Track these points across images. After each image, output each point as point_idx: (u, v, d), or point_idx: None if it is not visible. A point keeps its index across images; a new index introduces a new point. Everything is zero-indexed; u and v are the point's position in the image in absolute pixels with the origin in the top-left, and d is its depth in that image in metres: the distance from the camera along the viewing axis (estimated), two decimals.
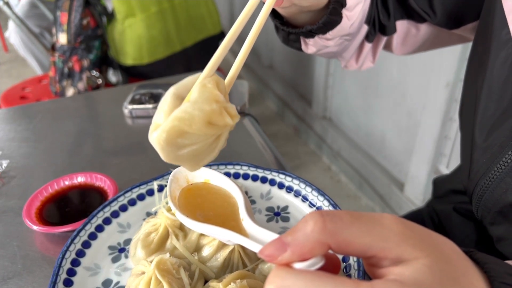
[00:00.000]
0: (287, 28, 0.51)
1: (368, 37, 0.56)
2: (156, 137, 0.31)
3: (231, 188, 0.39)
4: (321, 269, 0.24)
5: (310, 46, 0.53)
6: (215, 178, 0.40)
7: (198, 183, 0.41)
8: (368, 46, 0.57)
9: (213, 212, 0.38)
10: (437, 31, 0.56)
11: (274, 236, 0.30)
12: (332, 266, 0.27)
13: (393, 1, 0.54)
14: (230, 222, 0.36)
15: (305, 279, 0.23)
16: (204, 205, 0.39)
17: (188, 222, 0.35)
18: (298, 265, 0.24)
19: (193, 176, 0.40)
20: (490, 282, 0.25)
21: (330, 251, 0.25)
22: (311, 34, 0.51)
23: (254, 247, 0.30)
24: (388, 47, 0.61)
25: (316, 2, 0.45)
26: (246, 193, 0.53)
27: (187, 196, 0.40)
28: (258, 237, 0.32)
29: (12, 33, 1.82)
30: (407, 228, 0.24)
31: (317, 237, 0.23)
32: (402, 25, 0.56)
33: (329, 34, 0.50)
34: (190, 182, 0.40)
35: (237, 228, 0.34)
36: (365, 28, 0.54)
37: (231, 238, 0.32)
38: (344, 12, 0.48)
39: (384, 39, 0.57)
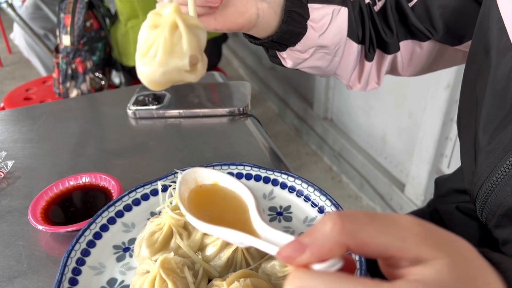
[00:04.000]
0: (253, 40, 0.52)
1: (367, 56, 0.56)
2: (140, 75, 0.35)
3: (241, 190, 0.38)
4: (338, 270, 0.24)
5: (287, 59, 0.54)
6: (224, 180, 0.40)
7: (207, 185, 0.40)
8: (368, 65, 0.58)
9: (222, 214, 0.37)
10: (441, 48, 0.56)
11: (289, 237, 0.29)
12: (348, 266, 0.26)
13: (396, 20, 0.55)
14: (241, 224, 0.35)
15: (325, 280, 0.23)
16: (213, 207, 0.38)
17: (199, 224, 0.34)
18: (317, 266, 0.24)
19: (202, 178, 0.40)
20: (507, 282, 0.25)
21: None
22: (280, 46, 0.52)
23: (270, 249, 0.29)
24: (394, 71, 0.61)
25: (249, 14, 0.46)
26: None
27: (196, 198, 0.39)
28: (272, 239, 0.31)
29: (17, 34, 1.83)
30: (424, 228, 0.24)
31: (336, 238, 0.23)
32: (406, 45, 0.57)
33: (299, 46, 0.51)
34: (199, 184, 0.40)
35: (248, 230, 0.33)
36: (352, 44, 0.55)
37: (244, 240, 0.31)
38: (309, 23, 0.49)
39: (388, 58, 0.57)
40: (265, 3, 0.47)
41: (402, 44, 0.56)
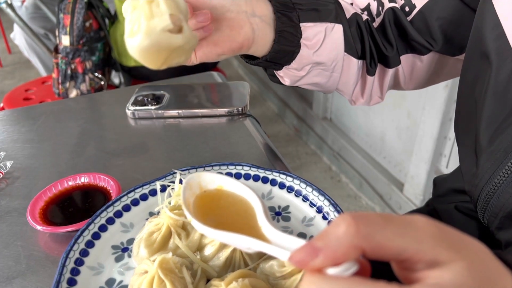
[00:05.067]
0: (249, 61, 0.54)
1: (369, 71, 0.57)
2: (131, 51, 0.37)
3: (247, 193, 0.37)
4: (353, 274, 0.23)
5: (284, 78, 0.55)
6: (228, 184, 0.39)
7: (211, 190, 0.39)
8: (370, 79, 0.58)
9: (229, 219, 0.37)
10: (442, 60, 0.57)
11: (300, 241, 0.28)
12: (362, 270, 0.25)
13: (395, 35, 0.55)
14: (248, 228, 0.34)
15: (341, 286, 0.22)
16: (219, 213, 0.37)
17: (206, 230, 0.33)
18: (331, 271, 0.23)
19: (207, 182, 0.39)
20: None
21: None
22: (276, 65, 0.53)
23: (280, 254, 0.28)
24: (397, 85, 0.62)
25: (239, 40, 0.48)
26: None
27: (202, 203, 0.38)
28: (282, 243, 0.30)
29: (17, 34, 1.83)
30: (440, 230, 0.24)
31: (350, 241, 0.22)
32: (407, 59, 0.57)
33: (295, 64, 0.52)
34: (203, 189, 0.39)
35: (256, 234, 0.32)
36: (351, 59, 0.55)
37: (253, 245, 0.30)
38: (302, 41, 0.50)
39: (389, 72, 0.58)
40: (257, 18, 0.49)
41: (403, 58, 0.57)
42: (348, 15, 0.55)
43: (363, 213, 0.23)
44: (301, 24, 0.50)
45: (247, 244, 0.31)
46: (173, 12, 0.36)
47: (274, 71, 0.55)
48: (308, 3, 0.52)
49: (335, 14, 0.53)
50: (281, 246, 0.29)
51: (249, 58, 0.54)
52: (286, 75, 0.54)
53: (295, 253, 0.24)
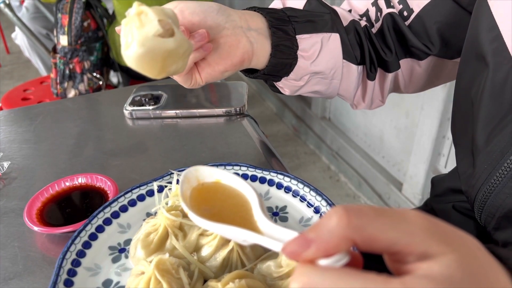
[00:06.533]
0: (249, 74, 0.55)
1: (369, 75, 0.57)
2: (128, 61, 0.38)
3: (244, 187, 0.38)
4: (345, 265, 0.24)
5: (284, 88, 0.56)
6: (226, 178, 0.39)
7: (209, 183, 0.40)
8: (371, 84, 0.59)
9: (225, 212, 0.37)
10: (441, 63, 0.57)
11: (294, 233, 0.28)
12: (353, 261, 0.25)
13: (394, 40, 0.56)
14: (244, 221, 0.35)
15: (332, 276, 0.22)
16: (216, 205, 0.38)
17: (203, 222, 0.34)
18: (323, 262, 0.23)
19: (204, 176, 0.40)
20: None
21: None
22: (274, 77, 0.53)
23: (274, 246, 0.28)
24: (397, 89, 0.62)
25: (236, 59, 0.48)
26: None
27: (199, 196, 0.39)
28: (277, 236, 0.31)
29: (19, 34, 1.83)
30: (432, 224, 0.24)
31: (342, 232, 0.23)
32: (406, 63, 0.58)
33: (293, 75, 0.52)
34: (201, 182, 0.40)
35: (252, 227, 0.33)
36: (351, 65, 0.56)
37: (248, 237, 0.31)
38: (299, 53, 0.51)
39: (389, 77, 0.58)
40: (253, 31, 0.49)
41: (402, 62, 0.57)
42: (345, 23, 0.55)
43: (355, 205, 0.24)
44: (297, 36, 0.51)
45: (242, 236, 0.31)
46: (161, 18, 0.38)
47: (274, 82, 0.56)
48: (303, 15, 0.52)
49: (331, 24, 0.53)
50: (276, 238, 0.30)
51: (248, 72, 0.55)
52: (285, 86, 0.55)
53: (288, 245, 0.24)
